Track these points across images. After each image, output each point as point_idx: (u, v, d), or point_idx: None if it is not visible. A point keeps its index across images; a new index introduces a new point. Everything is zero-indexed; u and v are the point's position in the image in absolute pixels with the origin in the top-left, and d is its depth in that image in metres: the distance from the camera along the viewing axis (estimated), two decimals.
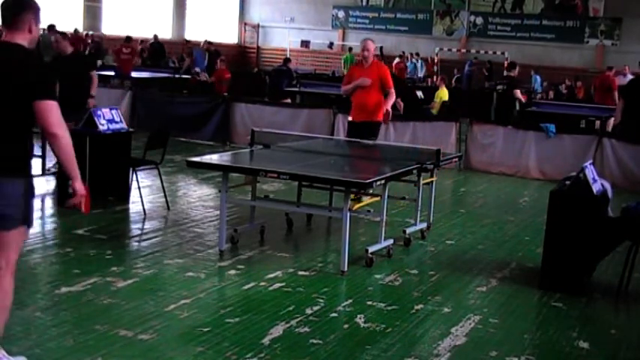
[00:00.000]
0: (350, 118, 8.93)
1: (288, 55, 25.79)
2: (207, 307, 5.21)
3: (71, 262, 6.07)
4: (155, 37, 26.00)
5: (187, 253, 6.47)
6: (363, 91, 8.58)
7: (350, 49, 28.31)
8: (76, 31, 23.47)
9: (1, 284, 3.85)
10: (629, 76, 18.89)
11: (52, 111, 3.68)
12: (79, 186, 3.89)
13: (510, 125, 12.10)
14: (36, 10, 3.83)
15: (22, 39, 3.78)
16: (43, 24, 21.12)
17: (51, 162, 9.07)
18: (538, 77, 26.47)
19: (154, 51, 25.16)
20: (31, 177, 3.87)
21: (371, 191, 7.07)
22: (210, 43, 24.32)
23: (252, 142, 7.63)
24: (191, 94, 16.20)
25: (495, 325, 5.23)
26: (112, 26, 27.83)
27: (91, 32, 25.09)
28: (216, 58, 20.24)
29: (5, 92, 3.66)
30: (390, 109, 8.61)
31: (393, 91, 8.69)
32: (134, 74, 19.21)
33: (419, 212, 7.53)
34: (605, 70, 18.55)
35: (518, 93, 13.74)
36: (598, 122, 14.57)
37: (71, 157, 3.83)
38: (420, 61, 28.79)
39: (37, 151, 9.33)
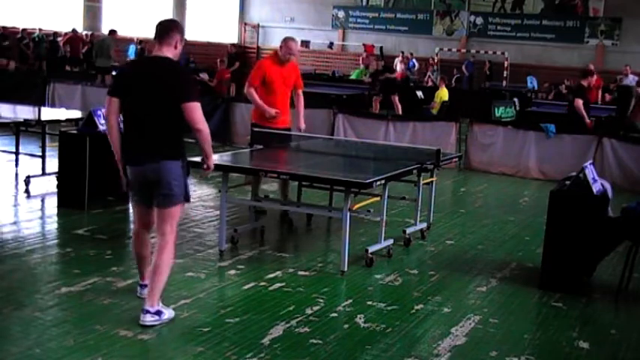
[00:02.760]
0: (268, 125, 7.67)
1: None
2: (207, 307, 5.21)
3: (71, 262, 6.07)
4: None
5: (187, 253, 6.47)
6: (279, 96, 7.74)
7: (367, 66, 28.12)
8: (74, 31, 23.45)
9: (169, 244, 4.86)
10: (631, 77, 18.89)
11: (196, 111, 4.70)
12: (212, 163, 5.04)
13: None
14: (182, 30, 4.93)
15: (170, 53, 4.82)
16: (51, 26, 21.18)
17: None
18: (534, 78, 26.49)
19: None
20: (186, 160, 4.89)
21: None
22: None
23: (252, 142, 7.62)
24: None
25: (495, 325, 5.23)
26: (111, 26, 27.82)
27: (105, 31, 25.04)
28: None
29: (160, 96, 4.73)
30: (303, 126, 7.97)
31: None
32: None
33: (419, 212, 7.53)
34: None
35: (579, 103, 12.53)
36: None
37: (209, 144, 4.90)
38: (412, 60, 28.83)
39: (37, 151, 9.34)
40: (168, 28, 4.86)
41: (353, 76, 26.60)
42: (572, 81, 20.69)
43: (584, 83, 11.68)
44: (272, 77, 7.62)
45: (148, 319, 4.72)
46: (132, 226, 7.49)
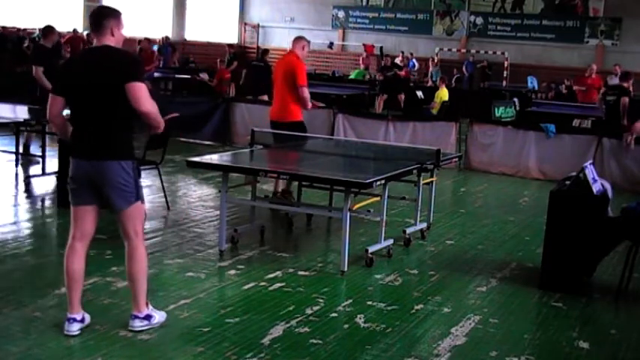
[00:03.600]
0: (301, 118, 8.52)
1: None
2: (207, 307, 5.21)
3: None
4: (167, 38, 26.17)
5: (187, 253, 6.47)
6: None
7: (366, 67, 28.19)
8: (74, 31, 23.45)
9: (138, 249, 4.65)
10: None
11: (141, 90, 4.39)
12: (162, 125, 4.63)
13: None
14: (116, 15, 4.58)
15: (108, 41, 4.52)
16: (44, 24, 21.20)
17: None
18: (534, 79, 26.49)
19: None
20: (135, 160, 4.61)
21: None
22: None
23: (252, 142, 7.63)
24: (191, 94, 16.19)
25: (495, 325, 5.23)
26: None
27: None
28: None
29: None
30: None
31: None
32: None
33: (419, 212, 7.53)
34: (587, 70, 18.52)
35: (626, 100, 12.71)
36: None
37: (157, 120, 4.54)
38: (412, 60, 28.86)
39: (37, 151, 9.35)
40: (100, 16, 4.53)
41: (352, 76, 26.57)
42: (572, 81, 20.68)
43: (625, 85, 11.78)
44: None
45: (137, 324, 4.64)
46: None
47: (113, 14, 4.55)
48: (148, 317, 4.69)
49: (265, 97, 15.14)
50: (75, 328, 4.54)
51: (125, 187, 4.51)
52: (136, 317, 4.65)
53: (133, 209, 4.61)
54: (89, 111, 4.46)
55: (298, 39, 8.50)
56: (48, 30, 10.47)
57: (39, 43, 11.19)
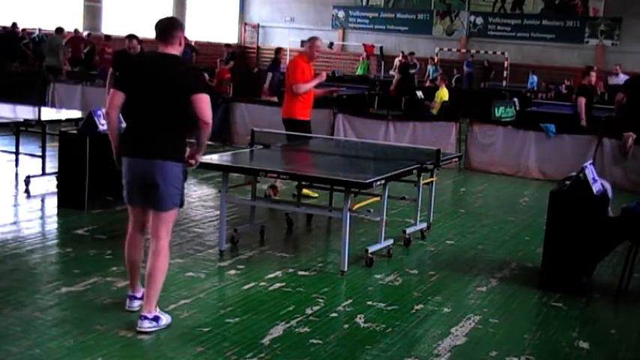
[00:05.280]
0: (303, 118, 8.70)
1: (287, 55, 25.74)
2: (207, 307, 5.21)
3: (71, 262, 6.07)
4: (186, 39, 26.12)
5: (187, 253, 6.47)
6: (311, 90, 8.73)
7: (368, 57, 28.22)
8: (76, 31, 23.42)
9: (164, 249, 4.78)
10: (622, 76, 18.84)
11: (206, 102, 4.67)
12: (200, 159, 5.02)
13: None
14: (182, 26, 4.92)
15: (175, 51, 4.80)
16: (47, 25, 21.17)
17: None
18: (535, 77, 26.50)
19: None
20: (185, 164, 4.81)
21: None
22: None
23: (252, 142, 7.64)
24: None
25: (495, 325, 5.23)
26: (112, 26, 27.82)
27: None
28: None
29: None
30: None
31: None
32: None
33: (419, 212, 7.53)
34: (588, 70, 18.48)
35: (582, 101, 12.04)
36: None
37: (207, 139, 4.86)
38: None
39: (37, 151, 9.35)
40: (172, 27, 4.83)
41: (359, 72, 26.49)
42: (572, 81, 20.69)
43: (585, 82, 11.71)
44: (306, 75, 8.55)
45: (146, 325, 4.67)
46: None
47: (182, 26, 4.91)
48: (156, 319, 4.73)
49: (275, 99, 15.26)
50: (136, 304, 4.94)
51: (176, 189, 4.73)
52: (146, 318, 4.68)
53: (173, 212, 4.82)
54: (151, 113, 4.70)
55: (308, 39, 8.86)
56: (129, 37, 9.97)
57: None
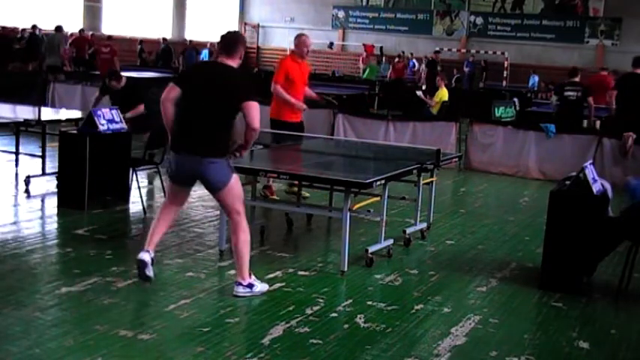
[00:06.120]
0: (291, 120, 8.50)
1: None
2: (207, 307, 5.21)
3: (71, 262, 6.07)
4: (164, 39, 26.17)
5: (187, 253, 6.47)
6: (299, 89, 8.48)
7: (377, 59, 28.09)
8: (81, 31, 23.43)
9: (241, 224, 5.27)
10: None
11: (256, 110, 5.16)
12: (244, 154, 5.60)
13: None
14: (245, 42, 5.45)
15: (234, 63, 5.25)
16: (51, 26, 21.16)
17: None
18: (536, 77, 26.50)
19: (164, 53, 25.38)
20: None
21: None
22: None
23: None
24: None
25: (495, 325, 5.23)
26: (112, 26, 27.82)
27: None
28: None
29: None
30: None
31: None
32: (134, 74, 19.16)
33: (419, 212, 7.53)
34: (599, 70, 18.45)
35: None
36: (598, 122, 14.53)
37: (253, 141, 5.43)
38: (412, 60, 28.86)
39: (37, 151, 9.35)
40: (236, 41, 5.30)
41: (365, 76, 25.99)
42: None
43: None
44: (293, 74, 8.34)
45: (240, 290, 5.20)
46: (130, 226, 7.56)
47: (244, 42, 5.43)
48: (250, 285, 5.24)
49: None
50: (147, 258, 5.23)
51: (223, 170, 5.18)
52: (240, 284, 5.22)
53: (232, 183, 5.24)
54: (202, 114, 5.12)
55: (294, 38, 8.63)
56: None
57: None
